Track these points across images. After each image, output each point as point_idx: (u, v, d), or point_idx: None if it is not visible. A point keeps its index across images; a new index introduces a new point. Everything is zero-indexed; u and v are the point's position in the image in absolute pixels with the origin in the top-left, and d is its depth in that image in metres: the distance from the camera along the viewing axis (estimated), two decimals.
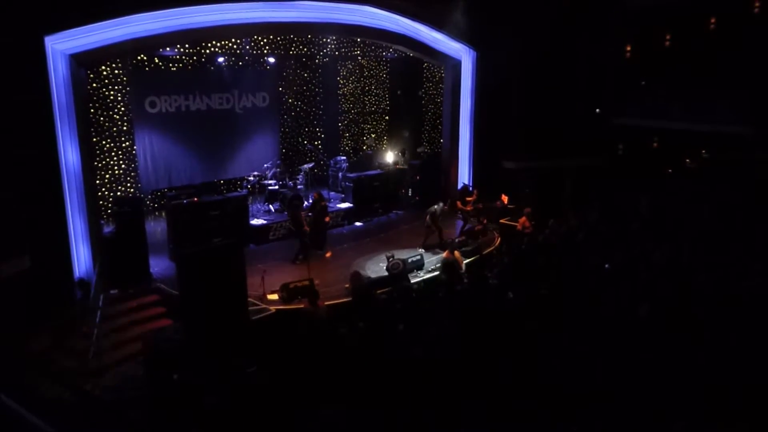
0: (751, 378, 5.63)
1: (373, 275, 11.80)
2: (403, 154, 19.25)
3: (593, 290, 8.39)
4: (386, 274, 11.48)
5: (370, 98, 20.80)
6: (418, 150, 20.04)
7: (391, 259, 11.59)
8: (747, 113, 15.19)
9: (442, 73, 18.80)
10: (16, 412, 4.93)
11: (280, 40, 16.78)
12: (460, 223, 15.28)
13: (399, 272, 11.34)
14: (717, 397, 5.38)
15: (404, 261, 11.72)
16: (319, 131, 19.55)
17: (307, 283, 10.74)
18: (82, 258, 10.64)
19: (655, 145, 17.97)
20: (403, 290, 9.94)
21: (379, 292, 10.46)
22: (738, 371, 5.74)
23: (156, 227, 14.24)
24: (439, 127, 19.93)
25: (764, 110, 14.79)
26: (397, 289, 10.15)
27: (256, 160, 16.89)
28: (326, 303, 9.86)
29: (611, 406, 5.35)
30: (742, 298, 7.49)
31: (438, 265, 12.07)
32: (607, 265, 9.51)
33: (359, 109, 20.51)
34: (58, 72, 9.98)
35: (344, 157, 17.94)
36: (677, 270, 8.84)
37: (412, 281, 11.54)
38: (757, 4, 15.27)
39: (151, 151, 15.30)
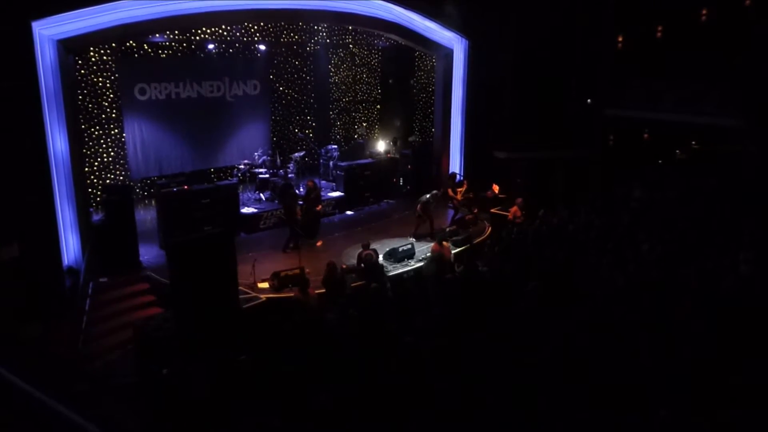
0: (733, 366, 5.72)
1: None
2: (395, 143, 19.21)
3: (584, 280, 8.46)
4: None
5: (362, 87, 20.69)
6: (410, 139, 20.01)
7: (365, 249, 11.24)
8: (738, 105, 15.26)
9: (434, 62, 18.74)
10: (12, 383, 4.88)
11: (271, 27, 16.66)
12: (452, 212, 15.32)
13: (372, 264, 11.13)
14: (701, 384, 5.46)
15: (376, 252, 11.47)
16: (310, 120, 19.46)
17: (297, 271, 10.75)
18: (71, 246, 10.57)
19: (646, 136, 18.05)
20: (379, 287, 9.82)
21: (353, 285, 10.47)
22: (720, 360, 5.83)
23: (146, 215, 14.17)
24: (431, 116, 19.89)
25: (755, 102, 14.87)
26: (372, 284, 10.03)
27: (247, 149, 16.80)
28: (317, 291, 9.88)
29: (598, 393, 5.41)
30: (726, 289, 7.58)
31: (428, 254, 12.10)
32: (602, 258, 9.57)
33: (351, 98, 20.41)
34: (45, 58, 9.83)
35: (335, 146, 17.87)
36: (666, 261, 8.91)
37: (403, 270, 11.58)
38: None
39: (140, 139, 15.17)
